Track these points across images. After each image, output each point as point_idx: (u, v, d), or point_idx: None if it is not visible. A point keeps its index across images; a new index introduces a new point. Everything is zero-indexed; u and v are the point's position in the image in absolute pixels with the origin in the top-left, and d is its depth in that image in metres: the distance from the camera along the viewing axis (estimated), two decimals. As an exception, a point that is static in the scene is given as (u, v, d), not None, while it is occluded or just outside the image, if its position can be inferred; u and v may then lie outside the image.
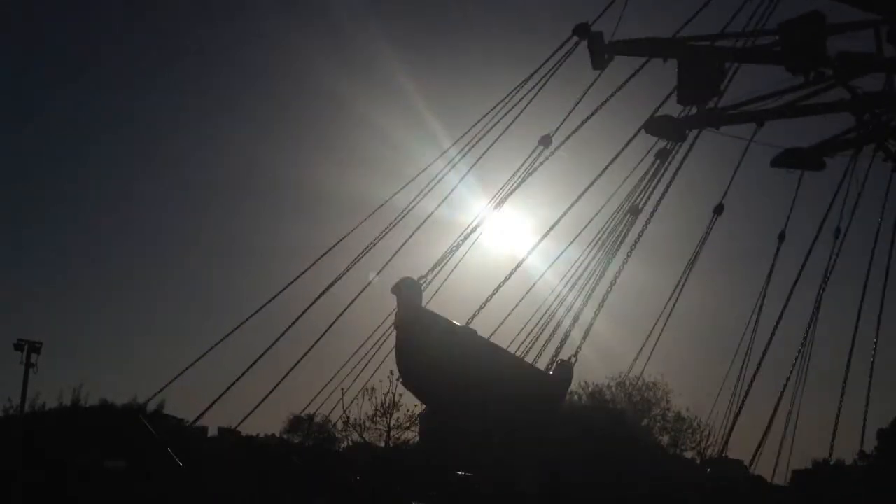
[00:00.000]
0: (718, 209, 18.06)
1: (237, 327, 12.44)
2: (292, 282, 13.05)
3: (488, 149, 15.38)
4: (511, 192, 15.45)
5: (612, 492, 38.75)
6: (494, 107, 15.49)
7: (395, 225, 14.05)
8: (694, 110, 16.50)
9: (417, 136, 43.35)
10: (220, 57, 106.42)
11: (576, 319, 14.80)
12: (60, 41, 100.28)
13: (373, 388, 47.16)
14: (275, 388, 12.42)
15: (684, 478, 45.44)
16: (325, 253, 13.27)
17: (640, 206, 16.26)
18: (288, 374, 12.31)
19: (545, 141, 15.82)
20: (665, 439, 57.07)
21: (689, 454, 56.40)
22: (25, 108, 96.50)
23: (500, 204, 15.47)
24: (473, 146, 15.28)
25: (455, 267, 14.07)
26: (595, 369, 54.38)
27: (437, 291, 13.44)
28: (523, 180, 15.57)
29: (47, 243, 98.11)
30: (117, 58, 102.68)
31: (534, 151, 15.76)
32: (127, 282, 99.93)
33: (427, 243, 14.99)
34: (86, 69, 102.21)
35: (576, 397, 54.02)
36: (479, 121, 15.18)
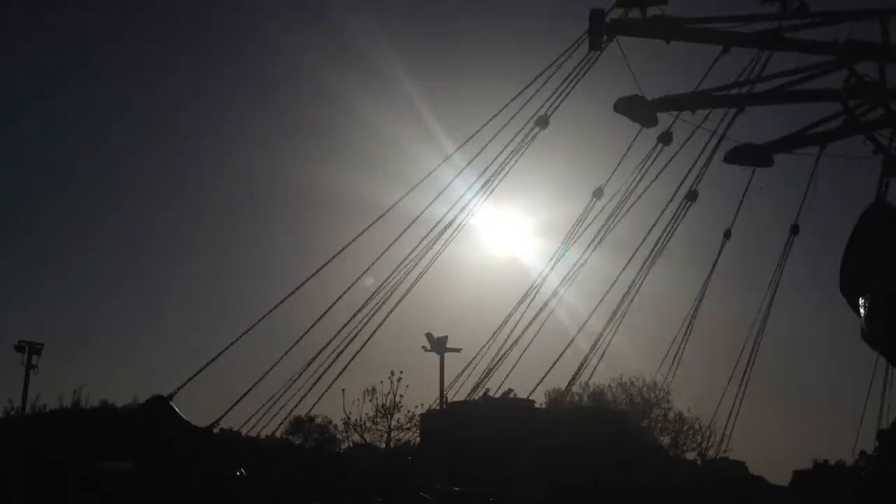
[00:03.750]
0: (727, 234, 16.60)
1: (252, 326, 12.38)
2: (304, 282, 12.99)
3: (483, 144, 14.38)
4: (500, 179, 13.92)
5: (613, 493, 38.79)
6: (506, 114, 14.06)
7: (420, 232, 13.44)
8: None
9: (421, 139, 43.29)
10: (223, 59, 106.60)
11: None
12: (62, 40, 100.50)
13: (373, 389, 47.28)
14: (284, 391, 12.41)
15: (685, 478, 45.45)
16: (339, 252, 13.15)
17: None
18: (296, 378, 12.33)
19: (542, 122, 14.19)
20: (666, 440, 57.07)
21: (690, 455, 56.46)
22: (25, 107, 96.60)
23: (489, 192, 14.05)
24: (479, 153, 14.26)
25: (432, 263, 13.37)
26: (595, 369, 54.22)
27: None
28: (515, 161, 13.84)
29: (47, 244, 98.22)
30: (118, 58, 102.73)
31: (529, 133, 14.13)
32: (127, 282, 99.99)
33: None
34: (87, 69, 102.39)
35: (577, 398, 54.11)
36: (484, 124, 14.47)
